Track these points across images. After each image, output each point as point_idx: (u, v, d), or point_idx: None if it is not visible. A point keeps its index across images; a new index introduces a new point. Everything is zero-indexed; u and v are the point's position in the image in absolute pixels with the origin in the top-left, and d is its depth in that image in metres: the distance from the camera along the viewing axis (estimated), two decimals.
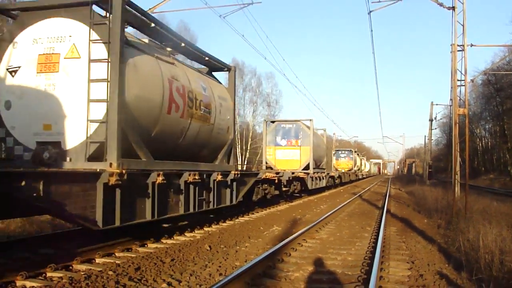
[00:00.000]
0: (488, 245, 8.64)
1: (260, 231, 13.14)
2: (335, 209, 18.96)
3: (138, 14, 9.81)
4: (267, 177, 19.35)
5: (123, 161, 8.39)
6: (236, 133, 62.01)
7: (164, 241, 10.96)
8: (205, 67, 14.59)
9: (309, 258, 9.39)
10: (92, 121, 8.38)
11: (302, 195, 28.44)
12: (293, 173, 24.34)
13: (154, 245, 10.36)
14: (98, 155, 8.40)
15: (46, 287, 6.83)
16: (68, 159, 8.45)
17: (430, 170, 47.66)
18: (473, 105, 68.90)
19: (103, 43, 8.52)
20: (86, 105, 8.36)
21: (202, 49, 13.14)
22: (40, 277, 7.31)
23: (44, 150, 8.29)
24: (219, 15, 21.86)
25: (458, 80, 17.63)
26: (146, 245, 10.31)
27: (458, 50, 17.39)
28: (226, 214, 15.93)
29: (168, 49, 11.74)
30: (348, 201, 25.06)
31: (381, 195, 32.87)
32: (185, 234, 12.06)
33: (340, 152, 61.60)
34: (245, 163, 61.33)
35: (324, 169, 33.38)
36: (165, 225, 12.62)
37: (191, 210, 11.47)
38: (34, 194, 6.66)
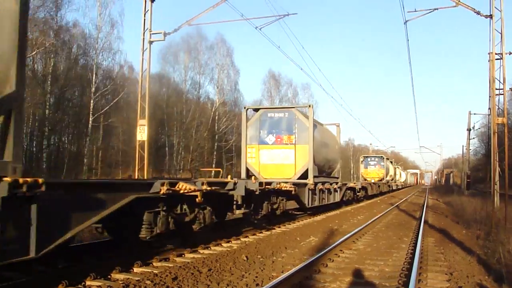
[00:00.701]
0: None
1: (297, 241, 13.14)
2: (372, 220, 18.84)
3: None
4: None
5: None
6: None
7: (201, 251, 11.06)
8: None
9: (346, 269, 9.36)
10: None
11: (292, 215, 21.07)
12: (278, 183, 15.98)
13: (191, 255, 10.46)
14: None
15: None
16: None
17: (468, 180, 46.85)
18: None
19: None
20: None
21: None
22: (79, 286, 7.44)
23: None
24: (255, 27, 21.89)
25: (496, 89, 17.44)
26: (183, 255, 10.41)
27: (496, 59, 17.21)
28: (263, 225, 15.99)
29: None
30: (385, 211, 24.85)
31: (418, 206, 32.48)
32: (222, 244, 12.14)
33: (369, 160, 55.45)
34: None
35: (337, 178, 26.11)
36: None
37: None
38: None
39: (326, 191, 22.43)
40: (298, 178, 19.65)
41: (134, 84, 38.08)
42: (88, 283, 7.61)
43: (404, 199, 43.04)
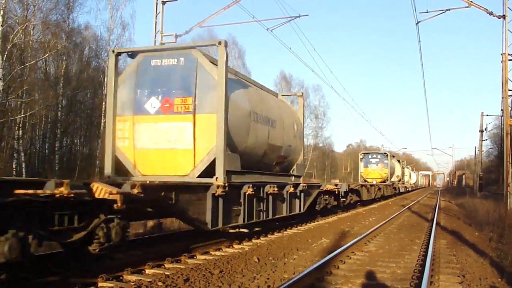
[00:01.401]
0: None
1: (308, 243, 13.13)
2: (384, 222, 18.80)
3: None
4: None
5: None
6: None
7: (212, 252, 11.07)
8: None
9: (357, 271, 9.35)
10: None
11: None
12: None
13: (203, 257, 10.48)
14: None
15: None
16: None
17: (480, 182, 46.61)
18: None
19: None
20: None
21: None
22: (92, 287, 7.49)
23: None
24: (266, 28, 21.88)
25: (509, 90, 17.32)
26: (195, 257, 10.42)
27: (509, 60, 17.10)
28: (275, 226, 16.01)
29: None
30: (397, 213, 24.75)
31: (430, 208, 32.35)
32: (234, 246, 12.14)
33: (370, 157, 46.95)
34: None
35: (299, 176, 16.84)
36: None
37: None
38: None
39: (270, 198, 13.64)
40: (201, 175, 10.95)
41: None
42: (100, 284, 7.64)
43: (416, 200, 42.92)
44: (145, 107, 11.41)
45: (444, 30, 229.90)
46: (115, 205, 7.27)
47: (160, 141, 11.22)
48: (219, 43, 11.09)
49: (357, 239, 13.06)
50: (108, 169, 11.75)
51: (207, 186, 10.54)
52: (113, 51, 12.38)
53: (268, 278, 8.44)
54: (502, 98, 17.58)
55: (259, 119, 13.03)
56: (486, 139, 58.41)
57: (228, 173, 10.97)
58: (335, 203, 22.75)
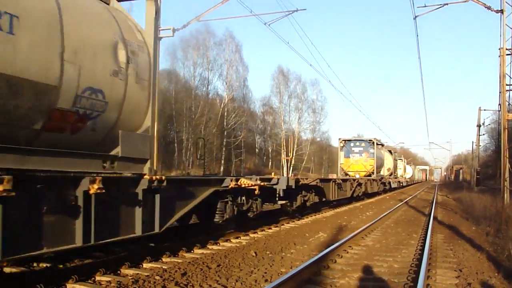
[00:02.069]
0: None
1: (305, 237, 13.15)
2: (381, 216, 18.81)
3: None
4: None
5: None
6: (282, 139, 62.00)
7: (210, 247, 11.10)
8: None
9: (354, 265, 9.37)
10: None
11: None
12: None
13: (200, 251, 10.50)
14: None
15: None
16: None
17: (478, 176, 46.63)
18: None
19: None
20: None
21: None
22: (89, 281, 7.52)
23: None
24: (264, 23, 21.87)
25: (506, 85, 17.33)
26: (192, 251, 10.45)
27: (507, 54, 17.11)
28: (272, 220, 16.03)
29: None
30: (394, 207, 24.78)
31: (427, 202, 32.41)
32: (231, 240, 12.18)
33: (351, 145, 38.57)
34: (291, 169, 61.45)
35: (141, 160, 8.36)
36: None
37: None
38: None
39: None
40: None
41: None
42: (98, 278, 7.67)
43: (413, 195, 42.90)
44: None
45: (442, 25, 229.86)
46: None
47: None
48: None
49: (354, 233, 13.07)
50: None
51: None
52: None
53: (265, 272, 8.47)
54: (500, 92, 17.57)
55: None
56: (483, 134, 58.37)
57: None
58: (271, 206, 17.89)
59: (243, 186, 12.02)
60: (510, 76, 17.44)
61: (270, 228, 14.77)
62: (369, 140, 38.84)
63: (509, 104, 17.81)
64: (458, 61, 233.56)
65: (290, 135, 63.37)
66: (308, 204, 18.53)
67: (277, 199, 15.16)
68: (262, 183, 13.00)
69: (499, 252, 10.95)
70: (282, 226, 15.51)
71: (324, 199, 20.41)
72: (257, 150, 69.78)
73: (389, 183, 45.47)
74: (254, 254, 10.19)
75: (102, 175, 7.07)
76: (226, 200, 11.66)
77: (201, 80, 56.76)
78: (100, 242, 7.27)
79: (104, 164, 7.34)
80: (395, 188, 50.66)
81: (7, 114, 5.94)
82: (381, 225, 16.66)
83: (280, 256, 10.15)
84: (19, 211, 6.03)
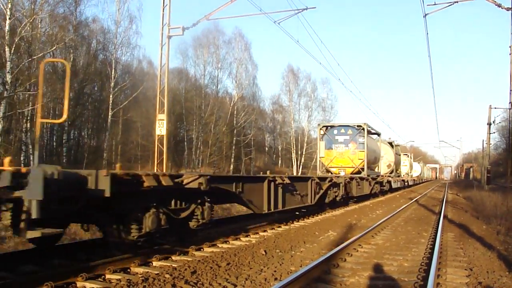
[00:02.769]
0: None
1: (315, 236, 13.13)
2: (391, 215, 18.76)
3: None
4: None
5: None
6: (292, 138, 62.25)
7: (219, 245, 11.10)
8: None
9: (364, 264, 9.35)
10: None
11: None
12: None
13: (210, 249, 10.50)
14: None
15: None
16: None
17: (488, 175, 46.42)
18: None
19: None
20: None
21: None
22: (99, 279, 7.54)
23: None
24: (273, 21, 21.84)
25: None
26: (202, 249, 10.45)
27: None
28: (281, 218, 16.03)
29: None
30: (404, 206, 24.69)
31: (438, 201, 32.27)
32: (241, 238, 12.17)
33: (334, 132, 29.42)
34: (300, 168, 61.40)
35: None
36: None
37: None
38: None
39: None
40: None
41: (153, 79, 38.24)
42: (107, 276, 7.69)
43: (423, 193, 42.75)
44: None
45: (452, 23, 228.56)
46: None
47: None
48: None
49: (364, 232, 13.05)
50: None
51: None
52: None
53: (275, 271, 8.46)
54: (511, 91, 17.48)
55: None
56: (494, 132, 58.28)
57: None
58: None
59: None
60: None
61: (280, 227, 14.76)
62: (358, 126, 28.96)
63: None
64: (468, 59, 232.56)
65: (299, 133, 63.42)
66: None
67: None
68: None
69: (510, 251, 10.91)
70: (291, 225, 15.50)
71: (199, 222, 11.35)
72: (266, 149, 69.73)
73: (389, 182, 37.39)
74: (263, 253, 10.18)
75: None
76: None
77: (211, 79, 56.84)
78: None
79: None
80: (397, 189, 43.94)
81: None
82: (391, 224, 16.60)
83: (289, 255, 10.14)
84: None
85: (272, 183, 13.74)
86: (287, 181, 14.62)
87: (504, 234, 13.81)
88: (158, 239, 9.34)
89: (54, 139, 38.45)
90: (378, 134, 35.47)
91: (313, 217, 18.03)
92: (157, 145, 22.38)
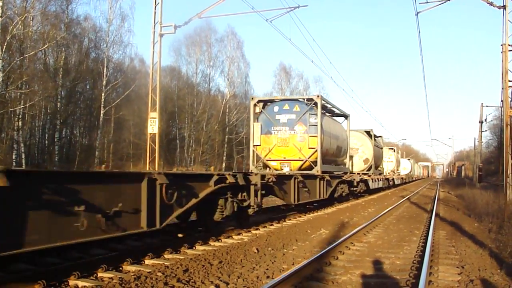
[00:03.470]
0: None
1: (307, 234, 13.14)
2: (383, 213, 18.79)
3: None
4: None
5: None
6: None
7: (212, 243, 11.09)
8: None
9: (356, 262, 9.36)
10: None
11: None
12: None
13: (202, 248, 10.50)
14: None
15: (97, 287, 7.04)
16: None
17: (480, 173, 46.57)
18: None
19: None
20: None
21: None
22: (91, 277, 7.52)
23: None
24: (265, 19, 21.83)
25: (509, 81, 17.29)
26: (194, 247, 10.44)
27: (509, 50, 17.06)
28: (274, 217, 16.03)
29: None
30: (396, 204, 24.75)
31: (429, 199, 32.36)
32: (233, 236, 12.17)
33: (275, 110, 20.32)
34: None
35: None
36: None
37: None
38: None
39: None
40: None
41: (145, 77, 38.20)
42: (100, 274, 7.68)
43: (415, 191, 42.84)
44: None
45: (444, 20, 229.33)
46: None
47: None
48: None
49: (356, 230, 13.06)
50: None
51: None
52: None
53: (267, 269, 8.46)
54: (502, 89, 17.54)
55: None
56: (485, 130, 58.37)
57: None
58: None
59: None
60: None
61: (272, 225, 14.76)
62: (308, 100, 20.38)
63: (511, 101, 17.74)
64: (460, 57, 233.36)
65: None
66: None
67: None
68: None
69: (502, 249, 10.93)
70: (284, 223, 15.50)
71: None
72: None
73: (364, 182, 29.08)
74: (256, 251, 10.18)
75: None
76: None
77: (203, 77, 56.84)
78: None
79: None
80: (378, 190, 36.58)
81: None
82: (383, 222, 16.63)
83: (282, 253, 10.15)
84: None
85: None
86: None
87: (495, 232, 13.85)
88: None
89: (46, 138, 38.30)
90: (346, 116, 25.87)
91: (305, 215, 18.04)
92: (149, 143, 22.38)
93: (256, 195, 12.77)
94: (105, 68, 40.29)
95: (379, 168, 37.68)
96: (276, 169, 19.57)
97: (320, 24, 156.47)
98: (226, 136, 55.37)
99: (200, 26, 54.56)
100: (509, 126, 17.07)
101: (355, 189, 26.51)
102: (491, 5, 17.08)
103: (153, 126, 22.05)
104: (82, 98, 42.38)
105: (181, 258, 9.22)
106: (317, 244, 11.39)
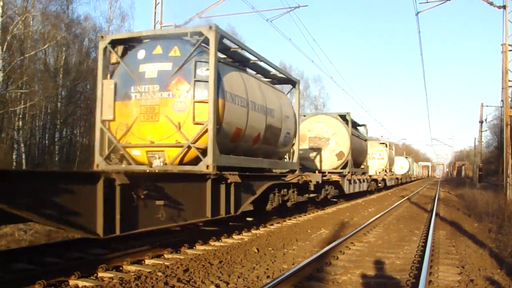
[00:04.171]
0: None
1: (307, 234, 13.15)
2: (383, 213, 18.80)
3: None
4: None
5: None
6: None
7: (212, 243, 11.10)
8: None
9: (357, 262, 9.37)
10: None
11: None
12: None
13: (202, 247, 10.51)
14: None
15: (97, 287, 7.05)
16: None
17: (480, 172, 46.52)
18: None
19: None
20: None
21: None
22: (91, 277, 7.54)
23: None
24: (266, 19, 21.83)
25: (509, 81, 17.30)
26: (194, 247, 10.45)
27: (510, 50, 17.06)
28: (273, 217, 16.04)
29: None
30: (396, 204, 24.76)
31: (430, 198, 32.35)
32: (233, 236, 12.18)
33: (139, 56, 10.96)
34: None
35: None
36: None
37: None
38: None
39: None
40: None
41: None
42: (100, 274, 7.69)
43: (416, 191, 42.83)
44: None
45: (444, 20, 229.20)
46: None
47: None
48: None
49: (356, 230, 13.06)
50: None
51: None
52: None
53: (267, 269, 8.47)
54: (502, 88, 17.55)
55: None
56: (486, 130, 58.34)
57: None
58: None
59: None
60: None
61: (272, 225, 14.77)
62: (195, 32, 11.52)
63: (511, 100, 17.76)
64: (460, 57, 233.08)
65: None
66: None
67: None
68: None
69: (502, 249, 10.94)
70: (284, 223, 15.50)
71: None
72: None
73: (333, 184, 22.35)
74: (256, 251, 10.18)
75: None
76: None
77: None
78: None
79: None
80: (357, 195, 28.90)
81: None
82: (383, 222, 16.63)
83: (282, 253, 10.16)
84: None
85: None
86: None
87: (495, 231, 13.85)
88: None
89: (46, 137, 38.26)
90: (293, 83, 16.97)
91: (305, 215, 18.05)
92: None
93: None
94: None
95: (362, 166, 30.41)
96: (140, 163, 11.07)
97: (320, 24, 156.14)
98: None
99: (200, 26, 54.55)
100: (509, 126, 17.07)
101: (313, 195, 19.06)
102: (491, 5, 17.09)
103: None
104: (83, 98, 42.31)
105: (181, 258, 9.22)
106: (317, 244, 11.41)
